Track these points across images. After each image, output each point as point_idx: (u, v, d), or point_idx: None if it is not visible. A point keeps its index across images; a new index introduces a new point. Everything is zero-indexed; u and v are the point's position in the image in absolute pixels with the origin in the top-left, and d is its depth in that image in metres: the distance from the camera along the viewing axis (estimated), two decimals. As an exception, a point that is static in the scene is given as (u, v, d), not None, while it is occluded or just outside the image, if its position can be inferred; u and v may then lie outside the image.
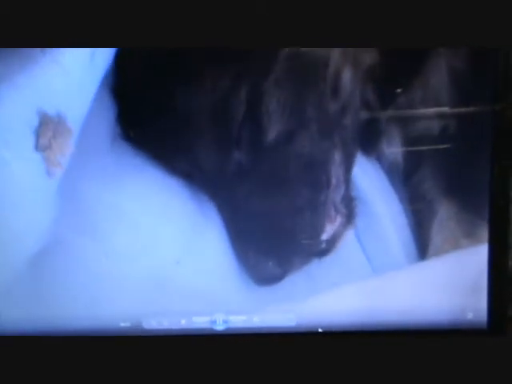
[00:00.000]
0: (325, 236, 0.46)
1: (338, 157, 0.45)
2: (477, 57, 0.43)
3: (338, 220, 0.46)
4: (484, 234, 0.45)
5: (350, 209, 0.46)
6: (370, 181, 0.46)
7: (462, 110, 0.44)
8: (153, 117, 0.45)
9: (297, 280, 0.46)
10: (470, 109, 0.44)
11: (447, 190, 0.45)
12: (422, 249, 0.46)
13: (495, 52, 0.43)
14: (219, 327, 0.47)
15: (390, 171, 0.46)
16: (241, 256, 0.46)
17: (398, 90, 0.44)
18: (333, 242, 0.46)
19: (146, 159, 0.45)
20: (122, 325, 0.47)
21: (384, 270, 0.46)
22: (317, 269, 0.46)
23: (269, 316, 0.47)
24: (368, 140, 0.45)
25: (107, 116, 0.44)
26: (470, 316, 0.46)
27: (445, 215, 0.46)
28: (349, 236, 0.46)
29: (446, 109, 0.44)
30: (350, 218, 0.46)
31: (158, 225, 0.46)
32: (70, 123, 0.45)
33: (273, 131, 0.44)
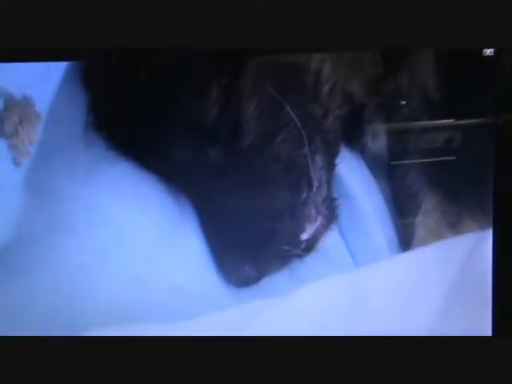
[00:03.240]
0: (305, 236, 0.45)
1: (319, 158, 0.44)
2: (478, 65, 0.44)
3: (319, 222, 0.45)
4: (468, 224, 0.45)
5: (331, 210, 0.45)
6: (352, 173, 0.45)
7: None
8: (126, 114, 0.42)
9: (278, 276, 0.45)
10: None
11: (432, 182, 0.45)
12: (406, 241, 0.46)
13: (497, 60, 0.43)
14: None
15: (374, 163, 0.45)
16: (217, 257, 0.44)
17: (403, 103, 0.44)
18: (313, 244, 0.45)
19: (120, 154, 0.42)
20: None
21: (367, 263, 0.46)
22: (298, 264, 0.45)
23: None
24: (351, 133, 0.44)
25: (78, 106, 0.41)
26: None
27: (429, 207, 0.45)
28: (332, 232, 0.46)
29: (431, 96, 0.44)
30: (331, 219, 0.45)
31: (132, 220, 0.43)
32: (38, 107, 0.41)
33: (251, 131, 0.43)
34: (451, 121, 0.45)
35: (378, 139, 0.45)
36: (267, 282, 0.45)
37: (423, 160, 0.45)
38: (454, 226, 0.46)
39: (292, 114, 0.43)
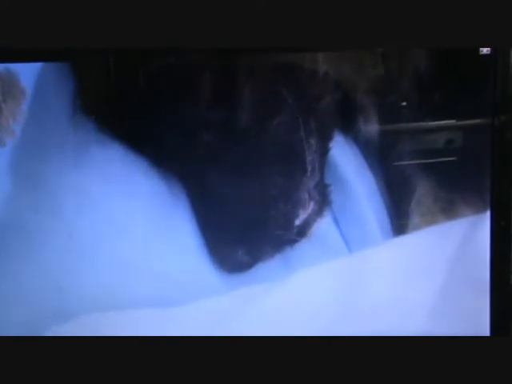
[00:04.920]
0: (297, 223, 0.45)
1: (313, 142, 0.43)
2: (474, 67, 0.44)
3: (312, 207, 0.45)
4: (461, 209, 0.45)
5: (324, 196, 0.45)
6: (346, 160, 0.45)
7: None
8: (116, 97, 0.41)
9: (271, 263, 0.45)
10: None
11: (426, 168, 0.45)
12: (400, 227, 0.46)
13: (493, 63, 0.43)
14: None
15: (367, 149, 0.45)
16: (210, 242, 0.44)
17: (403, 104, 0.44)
18: (305, 229, 0.45)
19: (110, 137, 0.40)
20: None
21: (360, 249, 0.45)
22: (292, 250, 0.45)
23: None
24: (345, 119, 0.44)
25: (66, 86, 0.39)
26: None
27: (422, 192, 0.45)
28: (325, 217, 0.45)
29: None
30: (323, 205, 0.45)
31: (123, 206, 0.42)
32: (23, 84, 0.38)
33: (245, 114, 0.42)
34: (451, 121, 0.45)
35: (371, 128, 0.44)
36: (260, 269, 0.44)
37: (419, 161, 0.45)
38: (449, 213, 0.46)
39: (288, 97, 0.42)
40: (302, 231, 0.45)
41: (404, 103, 0.44)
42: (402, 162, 0.45)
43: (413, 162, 0.45)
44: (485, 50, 0.44)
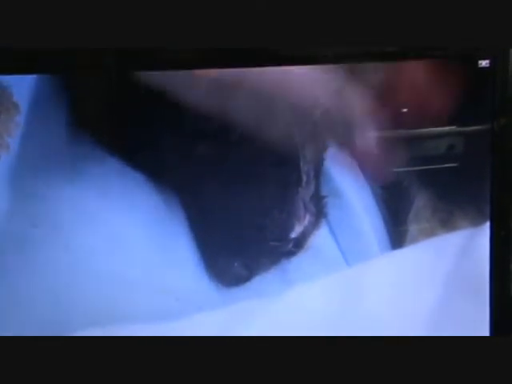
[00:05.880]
0: (293, 235, 0.44)
1: (308, 153, 0.43)
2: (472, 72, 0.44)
3: (307, 219, 0.45)
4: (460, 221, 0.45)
5: (319, 208, 0.45)
6: (342, 170, 0.44)
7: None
8: (112, 111, 0.41)
9: (268, 276, 0.44)
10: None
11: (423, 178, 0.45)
12: (398, 239, 0.45)
13: (492, 67, 0.43)
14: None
15: (363, 159, 0.44)
16: (207, 255, 0.43)
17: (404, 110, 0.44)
18: (302, 241, 0.45)
19: (107, 151, 0.41)
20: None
21: (358, 262, 0.45)
22: (289, 263, 0.45)
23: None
24: (341, 128, 0.44)
25: (61, 100, 0.39)
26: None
27: (421, 204, 0.45)
28: (321, 230, 0.45)
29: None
30: (319, 217, 0.45)
31: (120, 219, 0.42)
32: (16, 98, 0.38)
33: (240, 125, 0.42)
34: (451, 127, 0.45)
35: (368, 137, 0.44)
36: (257, 282, 0.44)
37: (416, 168, 0.45)
38: (447, 224, 0.46)
39: (283, 107, 0.42)
40: (299, 243, 0.44)
41: (404, 110, 0.44)
42: (400, 170, 0.45)
43: (411, 168, 0.45)
44: (484, 63, 0.44)
